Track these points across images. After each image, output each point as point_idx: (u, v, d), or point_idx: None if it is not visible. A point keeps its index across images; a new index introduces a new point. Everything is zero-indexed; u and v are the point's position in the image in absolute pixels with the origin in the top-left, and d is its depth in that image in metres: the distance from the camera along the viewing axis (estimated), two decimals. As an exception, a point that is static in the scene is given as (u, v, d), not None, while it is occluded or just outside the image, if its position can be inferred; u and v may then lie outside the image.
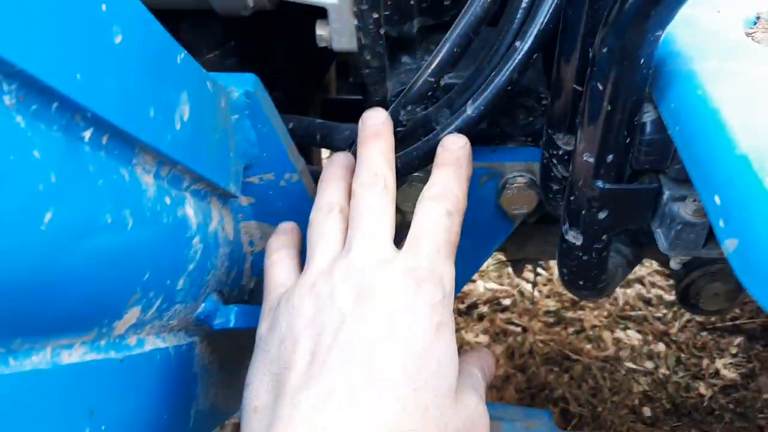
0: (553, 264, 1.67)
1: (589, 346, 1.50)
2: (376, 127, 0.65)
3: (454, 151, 0.64)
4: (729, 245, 0.39)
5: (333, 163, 0.68)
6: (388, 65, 0.77)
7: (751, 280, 0.38)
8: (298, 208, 0.77)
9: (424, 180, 0.77)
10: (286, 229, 0.69)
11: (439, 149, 0.65)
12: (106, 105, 0.45)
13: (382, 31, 0.73)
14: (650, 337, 1.52)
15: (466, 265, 0.85)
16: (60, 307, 0.44)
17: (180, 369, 0.65)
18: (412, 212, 0.79)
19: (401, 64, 0.79)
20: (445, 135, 0.66)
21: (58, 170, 0.40)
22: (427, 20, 0.74)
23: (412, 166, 0.72)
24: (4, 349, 0.40)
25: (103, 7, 0.44)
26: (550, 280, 1.64)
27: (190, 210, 0.60)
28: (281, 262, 0.65)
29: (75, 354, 0.47)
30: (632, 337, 1.52)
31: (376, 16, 0.71)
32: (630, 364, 1.46)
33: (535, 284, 1.62)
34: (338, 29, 0.73)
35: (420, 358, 0.52)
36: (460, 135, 0.66)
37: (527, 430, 0.89)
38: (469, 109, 0.68)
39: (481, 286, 1.63)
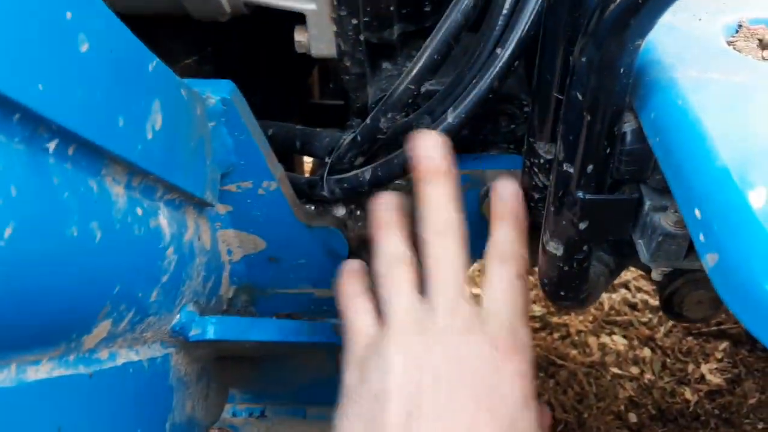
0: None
1: (574, 352, 1.50)
2: (440, 160, 0.63)
3: (512, 202, 0.65)
4: (709, 260, 0.38)
5: (383, 206, 0.66)
6: (369, 71, 0.76)
7: (732, 296, 0.37)
8: (277, 217, 0.76)
9: (406, 188, 0.76)
10: (356, 271, 0.68)
11: (494, 198, 0.66)
12: (71, 116, 0.43)
13: (361, 38, 0.72)
14: (636, 342, 1.51)
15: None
16: (24, 323, 0.43)
17: (155, 382, 0.64)
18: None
19: (382, 71, 0.78)
20: (498, 181, 0.67)
21: (19, 183, 0.39)
22: (407, 26, 0.73)
23: (394, 175, 0.72)
24: (-37, 368, 0.39)
25: (68, 15, 0.42)
26: (536, 286, 1.63)
27: (163, 220, 0.59)
28: (362, 311, 0.63)
29: (42, 370, 0.46)
30: (618, 342, 1.52)
31: (355, 22, 0.70)
32: (615, 370, 1.46)
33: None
34: (317, 35, 0.72)
35: (511, 428, 0.55)
36: (512, 181, 0.66)
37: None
38: (450, 117, 0.67)
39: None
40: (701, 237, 0.39)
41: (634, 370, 1.46)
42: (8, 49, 0.37)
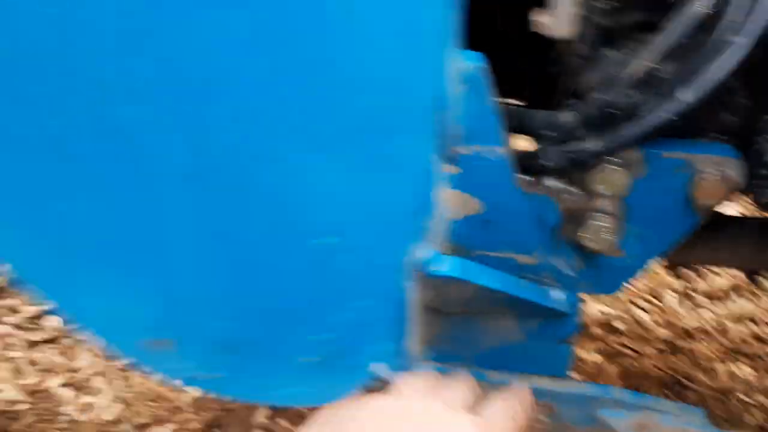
0: (663, 295, 1.69)
1: (702, 376, 1.51)
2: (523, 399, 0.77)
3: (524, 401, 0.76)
4: None
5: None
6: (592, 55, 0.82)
7: None
8: (499, 182, 0.81)
9: (621, 165, 0.82)
10: None
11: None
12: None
13: (597, 22, 0.78)
14: (763, 373, 1.53)
15: (646, 248, 0.88)
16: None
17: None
18: (603, 196, 0.84)
19: (603, 56, 0.84)
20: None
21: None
22: (642, 15, 0.79)
23: (620, 146, 0.77)
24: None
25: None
26: (662, 311, 1.66)
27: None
28: None
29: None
30: (745, 371, 1.53)
31: (597, 6, 0.77)
32: (744, 397, 1.47)
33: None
34: (559, 17, 0.78)
35: None
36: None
37: (683, 424, 0.91)
38: (683, 97, 0.72)
39: (594, 309, 1.66)
40: None
41: (762, 399, 1.47)
42: None
